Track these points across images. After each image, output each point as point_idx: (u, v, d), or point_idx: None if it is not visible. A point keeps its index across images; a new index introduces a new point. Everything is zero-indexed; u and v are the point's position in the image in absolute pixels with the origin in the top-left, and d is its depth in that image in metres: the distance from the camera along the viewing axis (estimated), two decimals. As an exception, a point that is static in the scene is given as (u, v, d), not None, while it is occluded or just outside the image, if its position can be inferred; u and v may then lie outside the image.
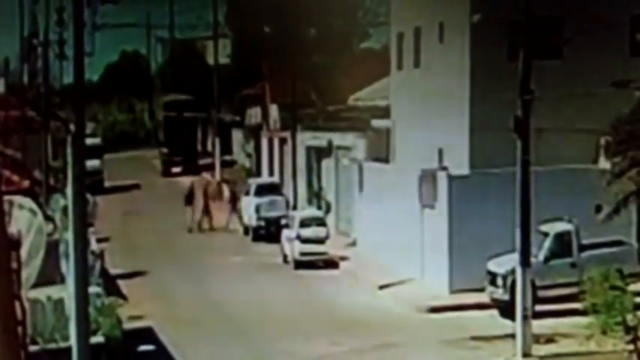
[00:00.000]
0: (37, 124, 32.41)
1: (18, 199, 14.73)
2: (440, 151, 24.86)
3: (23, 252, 13.58)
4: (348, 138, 30.17)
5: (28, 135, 31.55)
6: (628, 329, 16.69)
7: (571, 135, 21.57)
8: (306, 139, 33.19)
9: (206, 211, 32.87)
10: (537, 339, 18.04)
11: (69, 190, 11.85)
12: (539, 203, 18.74)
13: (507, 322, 19.13)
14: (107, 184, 41.24)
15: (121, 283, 24.39)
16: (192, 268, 26.97)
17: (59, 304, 15.14)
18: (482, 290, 20.80)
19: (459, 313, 20.62)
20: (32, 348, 14.23)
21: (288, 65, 32.96)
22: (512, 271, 19.07)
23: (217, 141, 42.34)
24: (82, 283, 11.69)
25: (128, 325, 18.19)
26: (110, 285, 21.97)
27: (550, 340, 18.49)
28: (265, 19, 38.54)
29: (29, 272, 13.87)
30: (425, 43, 26.19)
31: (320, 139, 32.15)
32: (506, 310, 19.53)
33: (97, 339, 15.07)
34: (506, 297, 19.92)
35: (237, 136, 46.43)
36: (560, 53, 23.00)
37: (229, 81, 43.25)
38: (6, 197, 12.00)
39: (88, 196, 17.52)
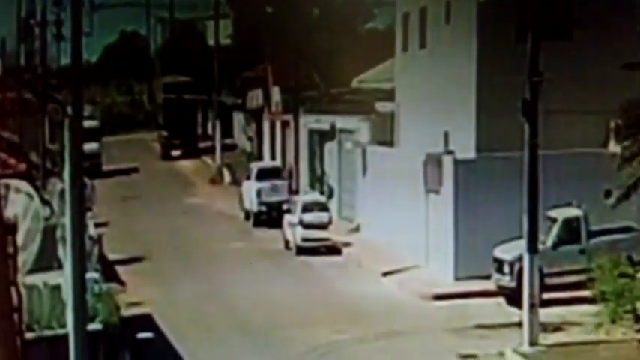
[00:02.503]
0: (34, 106, 32.11)
1: (14, 182, 14.47)
2: (446, 135, 24.50)
3: (19, 237, 13.32)
4: (352, 121, 29.82)
5: (25, 117, 31.27)
6: (637, 317, 16.47)
7: (580, 118, 21.27)
8: (309, 122, 32.85)
9: None
10: (545, 327, 17.76)
11: (66, 174, 11.52)
12: (547, 188, 18.44)
13: (514, 310, 18.88)
14: (105, 167, 40.96)
15: (119, 268, 24.11)
16: (193, 254, 26.70)
17: (56, 290, 14.85)
18: (488, 277, 20.51)
19: (464, 300, 20.34)
20: (29, 335, 13.94)
21: (290, 46, 32.56)
22: (520, 258, 18.77)
23: (218, 124, 41.99)
24: (79, 269, 11.40)
25: (127, 312, 17.89)
26: (108, 271, 21.71)
27: (558, 328, 18.24)
28: (267, -1, 38.06)
29: (26, 257, 13.60)
30: (431, 24, 25.80)
31: (323, 122, 31.80)
32: (513, 297, 19.25)
33: (95, 326, 14.76)
34: (513, 284, 19.63)
35: (238, 119, 46.08)
36: (569, 35, 22.63)
37: (230, 62, 42.82)
38: (2, 181, 11.71)
39: (86, 180, 17.21)
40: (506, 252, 20.17)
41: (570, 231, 20.44)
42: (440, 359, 16.96)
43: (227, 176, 38.95)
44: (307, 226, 26.12)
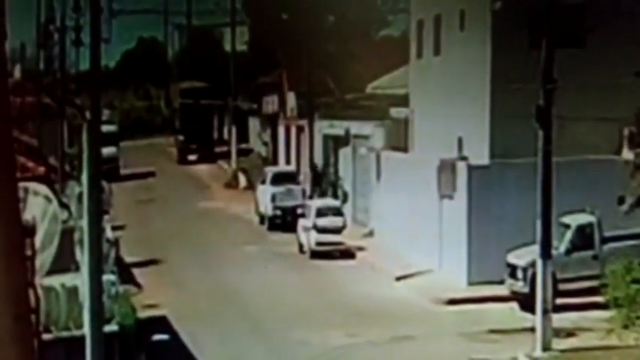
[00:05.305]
0: (52, 110, 32.31)
1: (33, 185, 14.60)
2: (459, 141, 24.56)
3: (37, 239, 13.45)
4: (366, 127, 29.92)
5: (44, 121, 31.46)
6: (650, 323, 16.41)
7: (594, 125, 21.24)
8: (324, 127, 32.97)
9: None
10: (558, 333, 17.77)
11: (84, 177, 11.67)
12: (561, 194, 18.44)
13: (527, 315, 18.89)
14: (123, 171, 41.21)
15: (135, 271, 24.30)
16: (208, 257, 26.85)
17: (73, 292, 14.98)
18: (501, 282, 20.54)
19: (477, 305, 20.38)
20: (45, 336, 14.09)
21: (305, 53, 32.69)
22: (533, 264, 18.79)
23: (234, 129, 42.19)
24: (96, 271, 11.53)
25: (142, 314, 18.05)
26: (125, 273, 21.86)
27: (571, 334, 18.24)
28: (283, 6, 38.27)
29: (43, 259, 13.74)
30: (445, 31, 25.87)
31: (337, 127, 31.92)
32: (526, 303, 19.28)
33: (111, 327, 14.88)
34: (526, 290, 19.65)
35: (253, 124, 46.26)
36: (583, 42, 22.63)
37: (246, 68, 43.05)
38: (21, 184, 11.84)
39: (104, 184, 17.38)
40: (519, 257, 20.19)
41: (584, 237, 20.44)
42: (452, 364, 17.05)
43: (242, 180, 39.14)
44: (321, 230, 26.24)
